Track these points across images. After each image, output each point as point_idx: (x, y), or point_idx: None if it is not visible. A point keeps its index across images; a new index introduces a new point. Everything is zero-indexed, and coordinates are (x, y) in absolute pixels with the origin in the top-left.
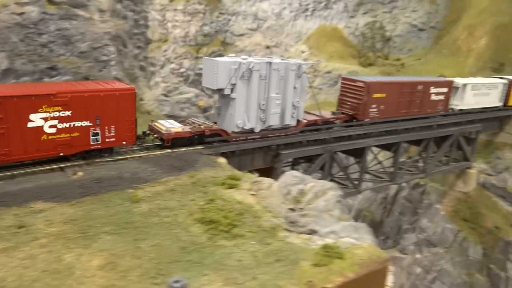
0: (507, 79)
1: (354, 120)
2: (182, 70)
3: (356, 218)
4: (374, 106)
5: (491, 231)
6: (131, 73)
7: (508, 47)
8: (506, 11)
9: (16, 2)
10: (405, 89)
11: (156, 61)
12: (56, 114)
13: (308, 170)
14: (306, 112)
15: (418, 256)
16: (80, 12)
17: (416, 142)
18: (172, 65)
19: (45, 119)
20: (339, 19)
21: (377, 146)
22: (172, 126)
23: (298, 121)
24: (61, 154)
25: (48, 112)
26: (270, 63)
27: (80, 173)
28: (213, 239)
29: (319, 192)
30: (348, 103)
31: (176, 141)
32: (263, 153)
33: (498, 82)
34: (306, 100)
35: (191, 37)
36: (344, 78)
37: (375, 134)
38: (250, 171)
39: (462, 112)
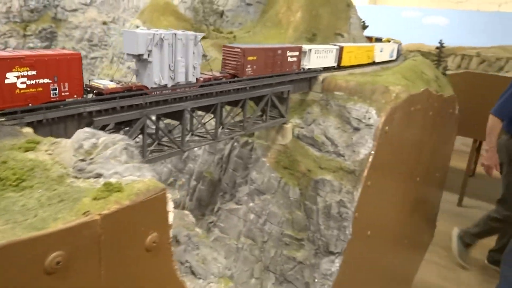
0: (339, 45)
1: (235, 77)
2: (8, 49)
3: (198, 180)
4: (249, 66)
5: (304, 174)
6: None
7: (318, 19)
8: None
9: None
10: (269, 53)
11: None
12: (25, 73)
13: (129, 135)
14: (202, 73)
15: (251, 204)
16: None
17: (236, 103)
18: None
19: (17, 77)
20: None
21: (197, 109)
22: (108, 83)
23: (197, 79)
24: (30, 104)
25: (19, 71)
26: (175, 34)
27: None
28: (0, 194)
29: (110, 143)
30: (230, 65)
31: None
32: (76, 121)
33: (332, 48)
34: (201, 63)
35: (15, 12)
36: (224, 46)
37: (191, 98)
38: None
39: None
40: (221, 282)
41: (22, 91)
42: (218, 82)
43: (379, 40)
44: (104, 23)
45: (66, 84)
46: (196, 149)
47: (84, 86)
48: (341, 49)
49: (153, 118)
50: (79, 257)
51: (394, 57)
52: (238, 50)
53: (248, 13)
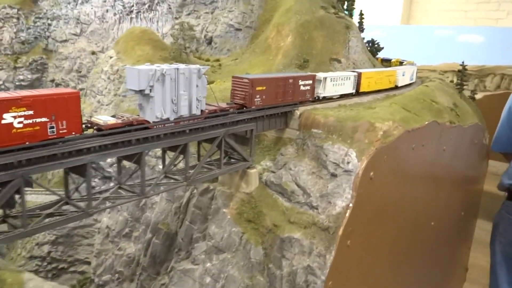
0: (357, 72)
1: (244, 107)
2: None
3: (153, 232)
4: (257, 96)
5: (270, 230)
6: None
7: (311, 43)
8: (308, 10)
9: None
10: (279, 82)
11: None
12: (22, 113)
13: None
14: (208, 104)
15: (208, 265)
16: None
17: (177, 148)
18: None
19: (14, 117)
20: (164, 21)
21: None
22: (107, 119)
23: (202, 111)
24: (27, 143)
25: (16, 112)
26: (178, 68)
27: None
28: None
29: None
30: (238, 95)
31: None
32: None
33: (350, 74)
34: (206, 95)
35: (6, 45)
36: (234, 77)
37: (96, 150)
38: None
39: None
40: None
41: (19, 131)
42: (221, 114)
43: (387, 61)
44: (93, 53)
45: (64, 122)
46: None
47: (87, 121)
48: (359, 75)
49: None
50: None
51: (413, 80)
52: (246, 80)
53: (238, 38)
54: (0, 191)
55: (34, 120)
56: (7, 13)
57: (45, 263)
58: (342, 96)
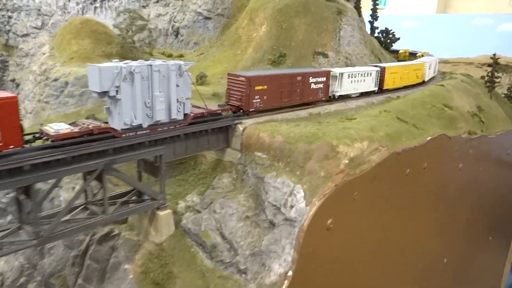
0: (380, 66)
1: (241, 110)
2: None
3: (47, 287)
4: (257, 97)
5: None
6: None
7: (290, 34)
8: None
9: None
10: (284, 80)
11: None
12: None
13: None
14: (194, 106)
15: None
16: None
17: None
18: None
19: None
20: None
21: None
22: (60, 128)
23: (185, 114)
24: None
25: None
26: (151, 65)
27: None
28: None
29: None
30: (234, 96)
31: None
32: None
33: (371, 69)
34: (191, 96)
35: None
36: (229, 74)
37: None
38: None
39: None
40: None
41: None
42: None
43: (394, 52)
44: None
45: None
46: None
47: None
48: (382, 70)
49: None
50: None
51: (436, 73)
52: (243, 79)
53: (207, 29)
54: None
55: None
56: None
57: None
58: (363, 95)
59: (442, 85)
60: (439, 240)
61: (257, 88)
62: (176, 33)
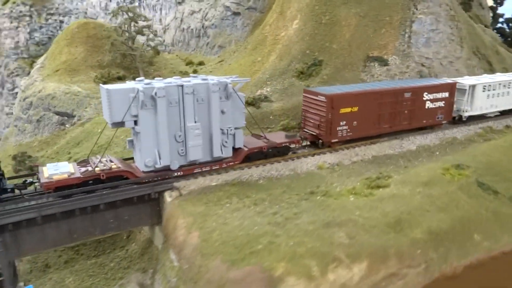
0: None
1: (320, 141)
2: (16, 90)
3: None
4: (343, 123)
5: None
6: None
7: (332, 31)
8: None
9: None
10: (385, 99)
11: None
12: None
13: None
14: (254, 135)
15: None
16: None
17: None
18: (8, 85)
19: None
20: (168, 8)
21: None
22: (57, 172)
23: (235, 149)
24: None
25: None
26: (182, 85)
27: None
28: None
29: None
30: (311, 120)
31: (63, 190)
32: None
33: None
34: (245, 124)
35: (22, 47)
36: (305, 91)
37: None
38: None
39: None
40: None
41: None
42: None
43: None
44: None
45: None
46: None
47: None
48: None
49: None
50: None
51: None
52: (323, 98)
53: (235, 28)
54: None
55: None
56: (20, 11)
57: None
58: (503, 114)
59: None
60: None
61: (343, 111)
62: (199, 34)
